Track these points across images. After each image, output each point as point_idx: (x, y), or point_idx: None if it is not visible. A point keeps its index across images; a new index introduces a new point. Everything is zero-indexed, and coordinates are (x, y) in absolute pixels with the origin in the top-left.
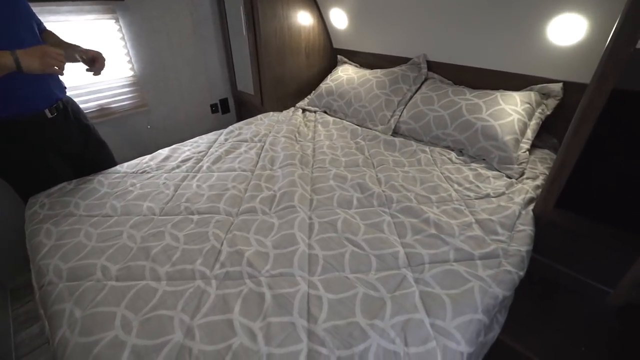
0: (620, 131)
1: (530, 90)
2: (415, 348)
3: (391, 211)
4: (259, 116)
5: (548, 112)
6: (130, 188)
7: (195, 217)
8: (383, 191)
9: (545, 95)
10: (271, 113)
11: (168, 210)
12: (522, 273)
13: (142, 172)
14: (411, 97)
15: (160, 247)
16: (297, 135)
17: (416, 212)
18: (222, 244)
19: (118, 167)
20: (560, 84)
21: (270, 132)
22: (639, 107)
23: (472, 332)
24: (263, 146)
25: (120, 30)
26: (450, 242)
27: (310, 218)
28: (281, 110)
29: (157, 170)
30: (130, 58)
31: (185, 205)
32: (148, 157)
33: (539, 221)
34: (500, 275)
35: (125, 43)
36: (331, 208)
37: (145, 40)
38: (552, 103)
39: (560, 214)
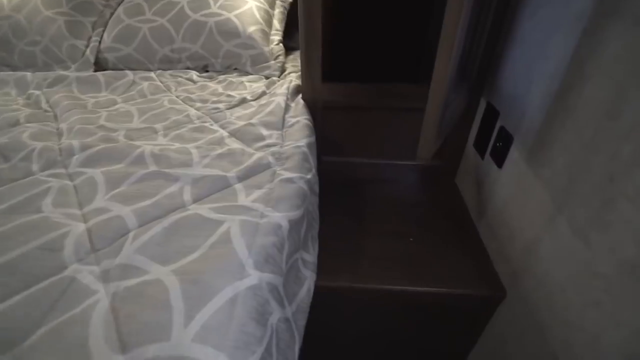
0: None
1: None
2: None
3: (70, 169)
4: None
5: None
6: None
7: None
8: (59, 144)
9: None
10: None
11: None
12: (309, 176)
13: None
14: (112, 14)
15: None
16: None
17: (119, 153)
18: None
19: None
20: None
21: None
22: None
23: (243, 325)
24: None
25: None
26: (184, 175)
27: None
28: None
29: None
30: None
31: None
32: None
33: (314, 108)
34: (277, 190)
35: None
36: None
37: None
38: None
39: (332, 88)
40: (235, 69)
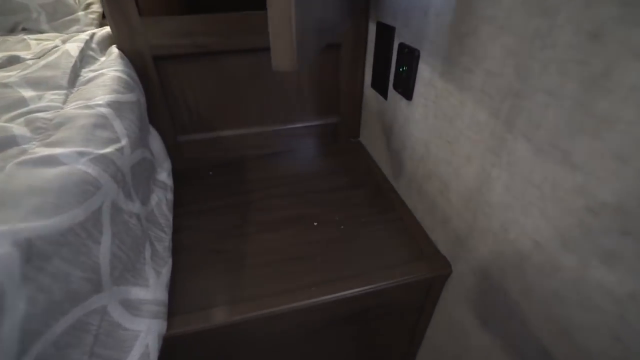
0: None
1: None
2: None
3: None
4: None
5: None
6: None
7: None
8: None
9: None
10: None
11: None
12: (107, 149)
13: None
14: None
15: None
16: None
17: None
18: None
19: None
20: None
21: None
22: None
23: None
24: None
25: None
26: None
27: None
28: None
29: None
30: None
31: None
32: None
33: (141, 61)
34: (3, 182)
35: None
36: None
37: None
38: None
39: (160, 25)
40: (24, 29)
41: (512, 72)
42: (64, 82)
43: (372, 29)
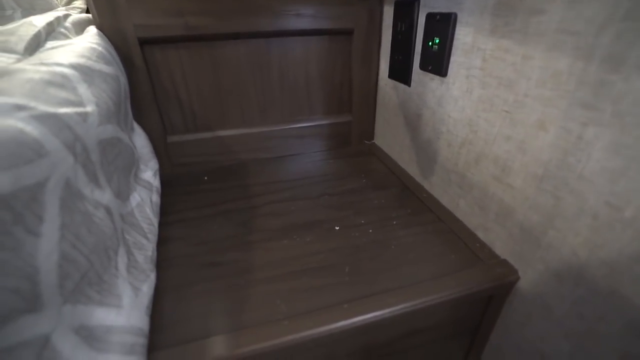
0: None
1: None
2: None
3: None
4: None
5: None
6: None
7: None
8: None
9: None
10: None
11: None
12: (65, 110)
13: None
14: None
15: None
16: None
17: None
18: None
19: None
20: None
21: None
22: None
23: None
24: None
25: None
26: None
27: None
28: None
29: None
30: None
31: None
32: None
33: (124, 46)
34: None
35: None
36: None
37: None
38: None
39: (147, 3)
40: None
41: None
42: (19, 47)
43: (389, 13)
